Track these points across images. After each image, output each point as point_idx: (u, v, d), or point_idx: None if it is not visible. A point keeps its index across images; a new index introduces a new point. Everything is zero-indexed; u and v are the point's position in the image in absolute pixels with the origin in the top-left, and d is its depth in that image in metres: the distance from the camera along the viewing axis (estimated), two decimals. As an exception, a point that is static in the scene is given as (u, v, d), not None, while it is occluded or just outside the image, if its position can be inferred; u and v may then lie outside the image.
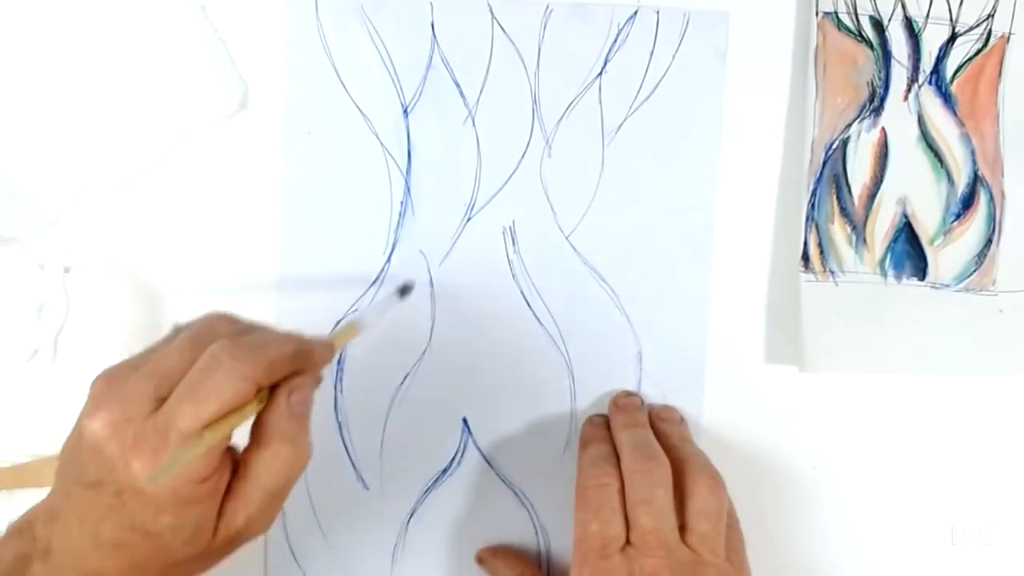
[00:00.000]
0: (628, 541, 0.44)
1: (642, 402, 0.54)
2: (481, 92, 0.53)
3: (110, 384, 0.38)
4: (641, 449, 0.47)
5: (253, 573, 0.53)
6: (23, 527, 0.40)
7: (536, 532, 0.54)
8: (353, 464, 0.53)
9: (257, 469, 0.39)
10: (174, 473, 0.36)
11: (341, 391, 0.53)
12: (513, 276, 0.54)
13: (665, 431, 0.51)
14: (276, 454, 0.39)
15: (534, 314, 0.54)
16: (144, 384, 0.38)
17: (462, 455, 0.54)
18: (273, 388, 0.39)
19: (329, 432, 0.53)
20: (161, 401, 0.37)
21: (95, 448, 0.37)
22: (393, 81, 0.53)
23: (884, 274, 0.54)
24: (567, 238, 0.54)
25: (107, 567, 0.38)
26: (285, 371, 0.39)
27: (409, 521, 0.54)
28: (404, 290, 0.53)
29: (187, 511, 0.38)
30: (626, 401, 0.53)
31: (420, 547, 0.54)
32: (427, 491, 0.54)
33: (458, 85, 0.53)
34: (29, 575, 0.38)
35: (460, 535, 0.54)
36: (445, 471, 0.54)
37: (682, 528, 0.44)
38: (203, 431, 0.36)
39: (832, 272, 0.54)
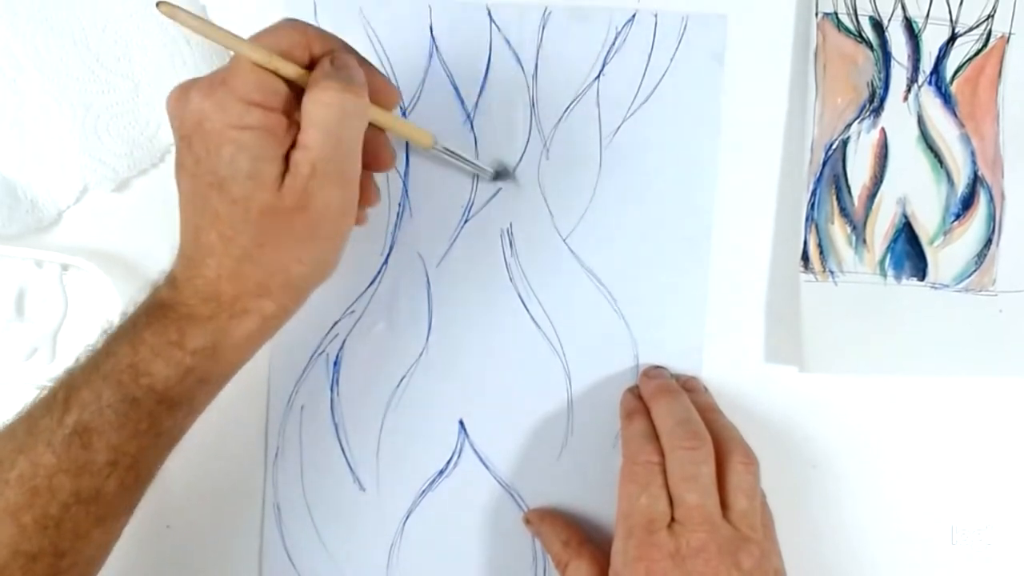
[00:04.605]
0: (673, 518, 0.45)
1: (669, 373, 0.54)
2: (479, 94, 0.53)
3: None
4: (685, 426, 0.47)
5: (249, 574, 0.54)
6: None
7: (531, 534, 0.54)
8: (350, 465, 0.54)
9: (307, 109, 0.40)
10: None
11: (338, 393, 0.54)
12: (510, 279, 0.54)
13: (695, 402, 0.50)
14: (324, 88, 0.39)
15: (531, 317, 0.54)
16: None
17: (458, 457, 0.54)
18: None
19: (325, 433, 0.54)
20: None
21: (171, 115, 0.41)
22: (391, 83, 0.53)
23: (884, 274, 0.54)
24: (564, 240, 0.54)
25: (194, 241, 0.42)
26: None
27: (405, 522, 0.54)
28: (499, 175, 0.53)
29: (244, 138, 0.39)
30: (657, 372, 0.54)
31: (416, 548, 0.54)
32: (423, 493, 0.54)
33: (456, 88, 0.53)
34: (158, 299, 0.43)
35: (456, 537, 0.54)
36: (441, 473, 0.54)
37: (720, 505, 0.46)
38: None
39: (832, 272, 0.54)
